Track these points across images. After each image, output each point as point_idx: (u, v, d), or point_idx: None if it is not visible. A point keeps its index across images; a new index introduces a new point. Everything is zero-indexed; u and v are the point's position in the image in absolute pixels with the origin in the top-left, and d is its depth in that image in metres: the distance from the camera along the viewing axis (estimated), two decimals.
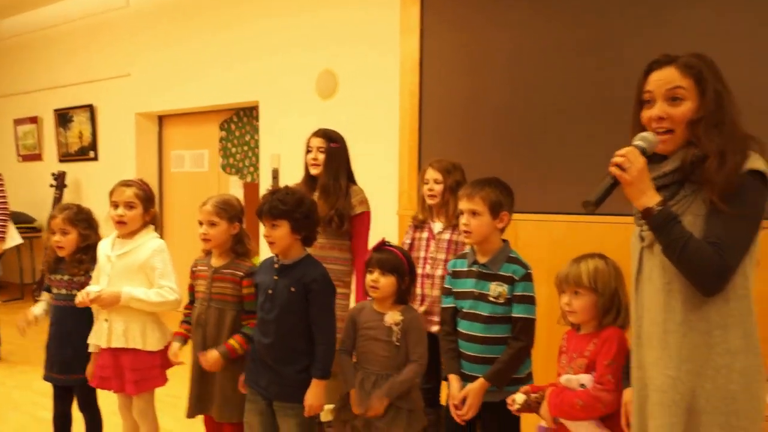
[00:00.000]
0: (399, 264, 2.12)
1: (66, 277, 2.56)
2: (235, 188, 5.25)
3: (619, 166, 1.38)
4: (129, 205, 2.44)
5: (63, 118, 6.22)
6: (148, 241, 2.46)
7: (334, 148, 2.71)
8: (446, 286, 2.25)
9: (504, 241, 2.17)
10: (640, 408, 1.52)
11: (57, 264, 2.59)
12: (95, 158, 6.03)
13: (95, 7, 5.75)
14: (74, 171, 6.12)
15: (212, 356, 2.21)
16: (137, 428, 2.55)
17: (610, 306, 1.82)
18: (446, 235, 2.63)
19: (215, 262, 2.35)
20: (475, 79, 3.65)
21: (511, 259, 2.11)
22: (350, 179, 2.78)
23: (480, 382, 2.05)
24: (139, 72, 5.61)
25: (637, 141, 1.43)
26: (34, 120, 6.54)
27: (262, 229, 2.15)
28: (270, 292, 2.13)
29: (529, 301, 2.07)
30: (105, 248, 2.49)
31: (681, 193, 1.43)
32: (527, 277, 2.09)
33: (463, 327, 2.13)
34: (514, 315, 2.06)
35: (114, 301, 2.35)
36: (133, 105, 5.66)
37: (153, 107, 5.58)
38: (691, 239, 1.35)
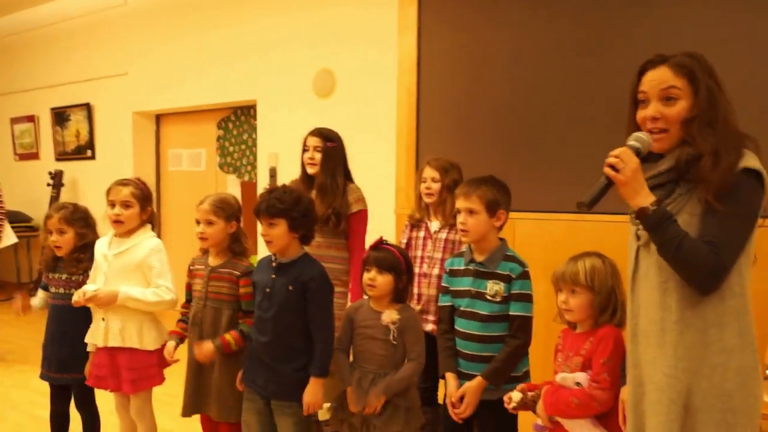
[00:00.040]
0: (396, 263, 2.13)
1: (64, 276, 2.55)
2: (232, 187, 5.24)
3: (612, 166, 1.38)
4: (126, 204, 2.43)
5: (60, 116, 6.20)
6: (145, 240, 2.46)
7: (330, 147, 2.71)
8: (443, 284, 2.25)
9: (501, 239, 2.17)
10: (636, 406, 1.52)
11: (55, 263, 2.59)
12: (92, 157, 6.02)
13: (92, 6, 5.73)
14: (71, 170, 6.10)
15: (207, 348, 2.22)
16: (134, 427, 2.55)
17: (607, 304, 1.82)
18: (443, 234, 2.63)
19: (212, 261, 2.35)
20: (472, 78, 3.66)
21: (508, 257, 2.11)
22: (347, 178, 2.78)
23: (477, 381, 2.05)
24: (136, 71, 5.60)
25: (631, 141, 1.43)
26: (31, 119, 6.52)
27: (260, 227, 2.15)
28: (268, 290, 2.13)
29: (527, 299, 2.08)
30: (102, 247, 2.49)
31: (676, 192, 1.44)
32: (524, 275, 2.09)
33: (461, 325, 2.13)
34: (511, 313, 2.06)
35: (110, 300, 2.35)
36: (131, 104, 5.65)
37: (150, 106, 5.57)
38: (686, 238, 1.35)
